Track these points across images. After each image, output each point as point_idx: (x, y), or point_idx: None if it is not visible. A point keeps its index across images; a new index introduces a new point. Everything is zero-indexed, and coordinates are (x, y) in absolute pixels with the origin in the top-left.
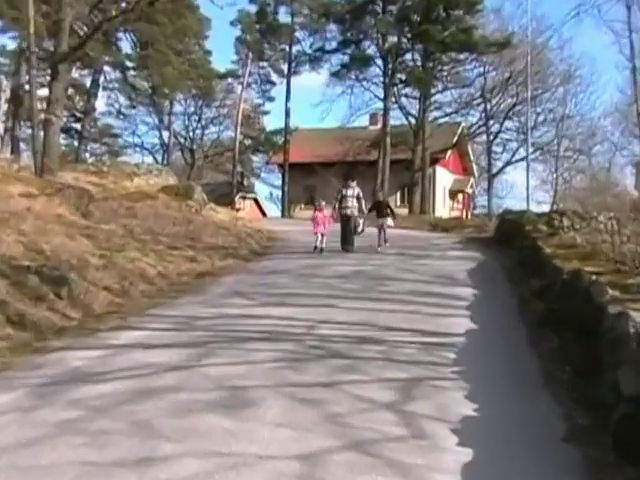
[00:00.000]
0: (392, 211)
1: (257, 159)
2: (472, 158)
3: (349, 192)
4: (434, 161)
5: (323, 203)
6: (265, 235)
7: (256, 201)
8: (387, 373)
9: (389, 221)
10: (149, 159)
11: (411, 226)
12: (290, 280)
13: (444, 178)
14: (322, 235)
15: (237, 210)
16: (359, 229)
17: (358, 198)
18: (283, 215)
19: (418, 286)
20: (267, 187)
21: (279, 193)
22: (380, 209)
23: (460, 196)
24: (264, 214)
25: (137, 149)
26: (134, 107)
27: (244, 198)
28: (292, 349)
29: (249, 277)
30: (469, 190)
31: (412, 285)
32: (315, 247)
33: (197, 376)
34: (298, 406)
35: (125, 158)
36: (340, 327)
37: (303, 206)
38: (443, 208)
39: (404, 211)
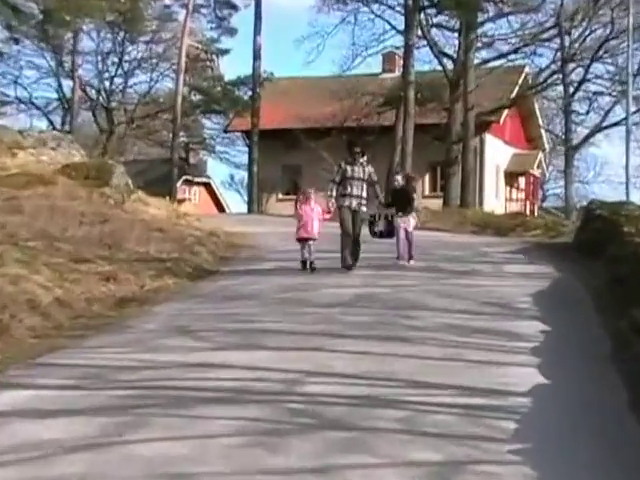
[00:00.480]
0: (411, 201)
1: (211, 124)
2: (541, 122)
3: (356, 172)
4: (482, 127)
5: (311, 191)
6: (223, 241)
7: (209, 188)
8: (411, 453)
9: (412, 221)
10: (41, 123)
11: (446, 227)
12: (262, 310)
13: (497, 153)
14: (309, 241)
15: (180, 202)
16: (376, 229)
17: (370, 182)
18: (251, 210)
19: (458, 319)
20: (226, 167)
21: (244, 176)
22: (403, 201)
23: (522, 180)
24: (221, 208)
25: (22, 107)
26: (16, 42)
27: (190, 184)
28: (265, 416)
29: (198, 305)
30: (536, 171)
31: (449, 317)
32: (303, 262)
33: (118, 459)
34: None
35: (2, 121)
36: (339, 381)
37: (281, 196)
38: (496, 199)
39: (435, 204)
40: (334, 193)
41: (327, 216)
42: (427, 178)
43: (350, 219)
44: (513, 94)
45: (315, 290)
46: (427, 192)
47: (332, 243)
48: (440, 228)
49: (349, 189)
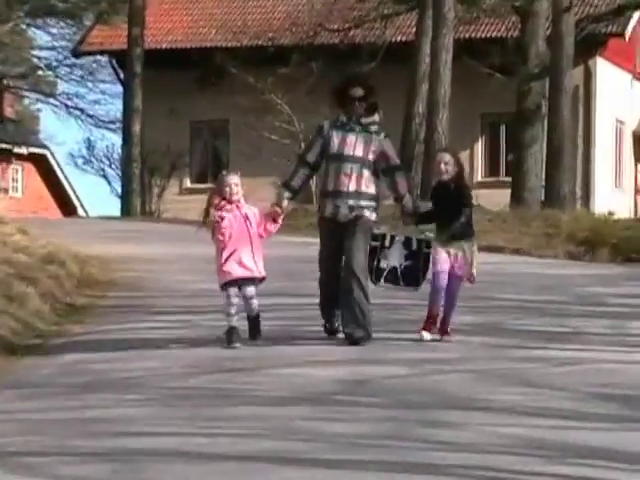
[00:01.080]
0: (467, 215)
1: (47, 39)
2: None
3: (353, 144)
4: (591, 46)
5: (236, 177)
6: (73, 273)
7: (44, 168)
8: None
9: (468, 257)
10: None
11: (518, 245)
12: (150, 412)
13: (621, 97)
14: (247, 286)
15: None
16: (382, 265)
17: (386, 168)
18: (128, 210)
19: (541, 428)
20: (79, 126)
21: (115, 145)
22: (450, 212)
23: None
24: (70, 208)
25: None
26: None
27: (8, 157)
28: None
29: (24, 403)
30: None
31: (523, 426)
32: (231, 330)
33: None
34: None
35: None
36: None
37: (190, 184)
38: (617, 188)
39: (497, 198)
40: (296, 183)
41: (273, 227)
42: (480, 148)
43: (334, 242)
44: None
45: (259, 371)
46: (480, 175)
47: (303, 286)
48: (507, 247)
49: (336, 180)
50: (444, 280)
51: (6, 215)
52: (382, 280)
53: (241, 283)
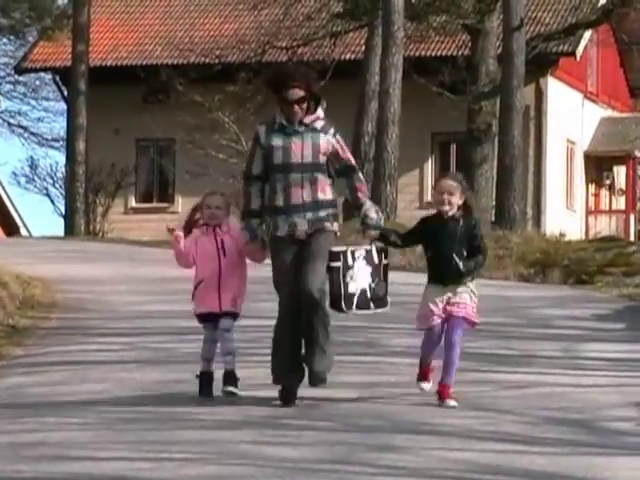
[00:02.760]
0: (483, 248)
1: None
2: None
3: (296, 148)
4: (542, 65)
5: (218, 199)
6: (14, 294)
7: None
8: None
9: (469, 304)
10: None
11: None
12: (96, 435)
13: (572, 116)
14: (223, 321)
15: None
16: (347, 287)
17: (341, 169)
18: (72, 230)
19: (492, 453)
20: (21, 144)
21: (59, 163)
22: (447, 249)
23: (621, 172)
24: (12, 227)
25: None
26: None
27: None
28: None
29: None
30: None
31: (473, 451)
32: (204, 377)
33: None
34: None
35: None
36: None
37: (135, 203)
38: (568, 209)
39: None
40: (256, 205)
41: (259, 258)
42: (430, 168)
43: (289, 264)
44: (601, 2)
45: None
46: (431, 195)
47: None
48: None
49: (286, 193)
50: (436, 335)
51: None
52: (354, 307)
53: (210, 319)
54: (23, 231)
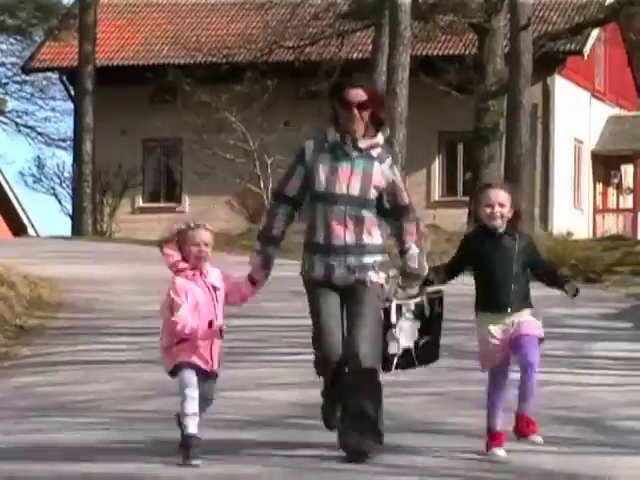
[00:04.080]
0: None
1: None
2: None
3: (346, 175)
4: (550, 64)
5: (207, 235)
6: (21, 294)
7: None
8: None
9: (536, 329)
10: None
11: None
12: (104, 435)
13: (579, 116)
14: (207, 379)
15: None
16: (393, 347)
17: (395, 208)
18: (80, 230)
19: (506, 458)
20: (28, 144)
21: (65, 163)
22: (507, 278)
23: (629, 171)
24: (19, 227)
25: None
26: None
27: None
28: None
29: None
30: None
31: (487, 454)
32: (187, 440)
33: None
34: None
35: None
36: None
37: (142, 203)
38: (575, 208)
39: (453, 218)
40: (277, 230)
41: (250, 292)
42: (437, 167)
43: (333, 306)
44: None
45: None
46: (438, 194)
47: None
48: None
49: (326, 229)
50: (503, 375)
51: None
52: (393, 368)
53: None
54: (30, 231)
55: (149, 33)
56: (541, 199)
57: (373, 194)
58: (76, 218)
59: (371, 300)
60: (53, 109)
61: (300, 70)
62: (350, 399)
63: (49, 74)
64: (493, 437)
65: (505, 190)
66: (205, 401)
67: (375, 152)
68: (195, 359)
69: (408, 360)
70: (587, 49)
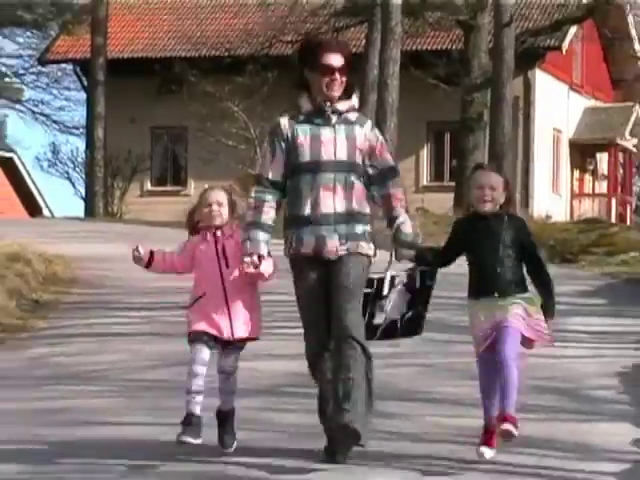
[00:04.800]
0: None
1: (14, 48)
2: (638, 50)
3: (329, 142)
4: (530, 58)
5: (219, 194)
6: (37, 271)
7: (10, 170)
8: None
9: (520, 316)
10: None
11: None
12: (115, 403)
13: (558, 106)
14: (227, 349)
15: None
16: (377, 317)
17: (379, 173)
18: (92, 211)
19: (481, 418)
20: (44, 131)
21: (79, 148)
22: (493, 250)
23: (603, 159)
24: (35, 208)
25: None
26: None
27: None
28: None
29: None
30: (628, 143)
31: (462, 416)
32: (187, 417)
33: None
34: None
35: None
36: None
37: (150, 186)
38: (554, 193)
39: (440, 202)
40: (268, 217)
41: (265, 272)
42: (426, 153)
43: (322, 289)
44: None
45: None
46: (426, 179)
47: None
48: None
49: (315, 199)
50: (491, 363)
51: None
52: (376, 337)
53: (214, 345)
54: (45, 212)
55: (157, 28)
56: (522, 184)
57: (359, 158)
58: (88, 200)
59: (358, 273)
60: (67, 98)
61: (288, 63)
62: (340, 373)
63: (63, 66)
64: (485, 434)
65: (498, 173)
66: (224, 375)
67: (353, 116)
68: (205, 326)
69: (391, 331)
70: (565, 45)
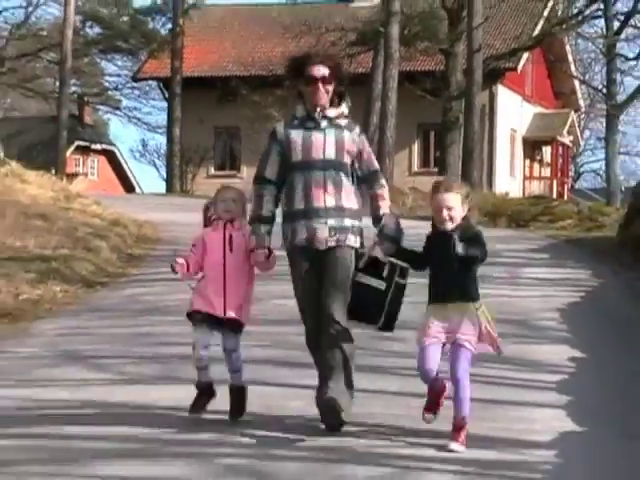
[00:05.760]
0: (470, 273)
1: (114, 69)
2: (574, 70)
3: (318, 144)
4: (494, 77)
5: (232, 193)
6: (132, 233)
7: (112, 159)
8: None
9: (472, 327)
10: None
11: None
12: (187, 329)
13: (514, 113)
14: (226, 329)
15: (71, 178)
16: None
17: (365, 174)
18: (171, 189)
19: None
20: (136, 130)
21: (162, 143)
22: (448, 268)
23: (547, 151)
24: (130, 187)
25: None
26: None
27: (86, 152)
28: (189, 475)
29: (96, 322)
30: (566, 139)
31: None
32: (202, 389)
33: None
34: None
35: None
36: (296, 425)
37: (214, 171)
38: (511, 177)
39: (427, 183)
40: (267, 211)
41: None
42: (416, 148)
43: (316, 277)
44: (536, 31)
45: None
46: (416, 167)
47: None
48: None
49: (306, 195)
50: (433, 358)
51: (86, 192)
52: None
53: (214, 327)
54: (137, 190)
55: (219, 54)
56: (487, 169)
57: (347, 158)
58: (168, 181)
59: (346, 265)
60: (153, 106)
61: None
62: (326, 360)
63: (150, 82)
64: (428, 402)
65: (453, 190)
66: (227, 353)
67: (343, 121)
68: (201, 304)
69: (362, 313)
70: (520, 66)
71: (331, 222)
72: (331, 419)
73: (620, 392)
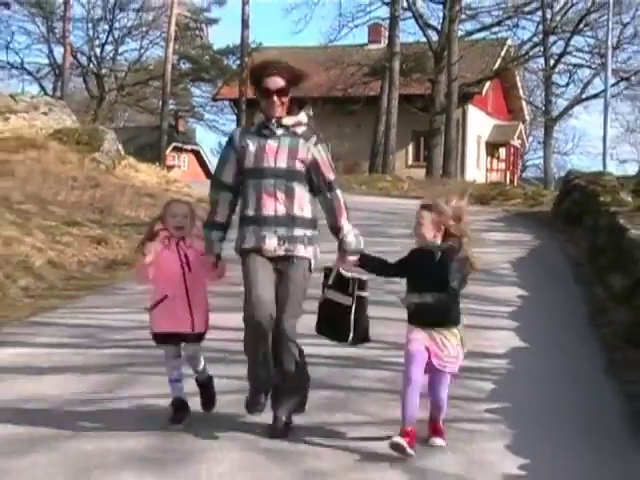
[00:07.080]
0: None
1: (199, 92)
2: (522, 94)
3: (272, 153)
4: (465, 98)
5: (184, 207)
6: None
7: (198, 156)
8: (394, 411)
9: (452, 347)
10: (33, 88)
11: (427, 197)
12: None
13: (479, 124)
14: (188, 343)
15: (169, 168)
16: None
17: (320, 186)
18: None
19: None
20: (214, 135)
21: None
22: (428, 281)
23: (502, 151)
24: (209, 176)
25: (14, 72)
26: (7, 6)
27: (180, 151)
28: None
29: None
30: (516, 142)
31: None
32: (174, 402)
33: (108, 415)
34: None
35: None
36: (322, 342)
37: None
38: (477, 169)
39: (419, 173)
40: (221, 217)
41: (216, 274)
42: (411, 148)
43: (267, 274)
44: (495, 66)
45: None
46: (411, 161)
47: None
48: (423, 197)
49: (257, 202)
50: (417, 372)
51: (180, 178)
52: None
53: (180, 341)
54: None
55: None
56: (460, 164)
57: (299, 167)
58: None
59: (297, 276)
60: (227, 119)
61: (345, 100)
62: (278, 372)
63: (225, 102)
64: (402, 430)
65: (427, 209)
66: (190, 359)
67: (300, 130)
68: (169, 326)
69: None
70: (484, 91)
71: (281, 231)
72: (279, 434)
73: (553, 318)
